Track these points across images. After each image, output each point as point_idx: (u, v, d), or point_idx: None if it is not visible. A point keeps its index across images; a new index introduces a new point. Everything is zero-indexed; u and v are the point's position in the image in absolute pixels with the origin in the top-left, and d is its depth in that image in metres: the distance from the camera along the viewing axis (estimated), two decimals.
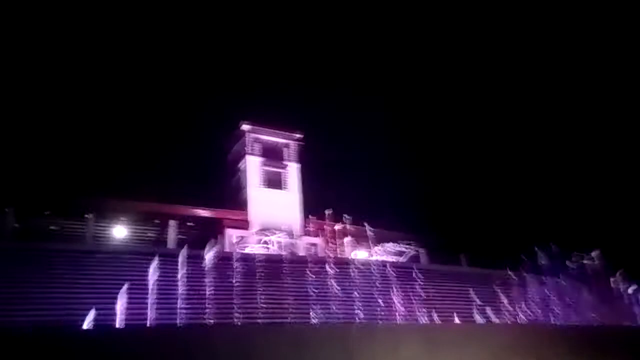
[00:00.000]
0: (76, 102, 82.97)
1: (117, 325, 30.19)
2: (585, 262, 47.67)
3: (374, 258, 53.07)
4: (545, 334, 31.26)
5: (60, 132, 73.27)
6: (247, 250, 50.18)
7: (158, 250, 43.98)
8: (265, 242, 51.57)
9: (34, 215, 46.74)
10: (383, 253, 54.62)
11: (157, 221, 51.27)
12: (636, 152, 77.46)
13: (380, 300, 37.93)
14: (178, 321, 31.28)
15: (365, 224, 54.23)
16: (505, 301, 42.45)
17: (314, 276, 40.02)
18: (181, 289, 34.14)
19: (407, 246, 54.81)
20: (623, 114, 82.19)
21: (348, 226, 56.06)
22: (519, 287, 44.86)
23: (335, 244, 56.81)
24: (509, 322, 39.86)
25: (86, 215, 47.24)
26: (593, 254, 47.85)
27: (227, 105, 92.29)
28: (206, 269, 36.20)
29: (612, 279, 47.07)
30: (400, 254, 54.56)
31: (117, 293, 32.05)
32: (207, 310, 33.06)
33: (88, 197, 48.59)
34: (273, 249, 51.03)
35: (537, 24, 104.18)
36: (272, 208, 54.91)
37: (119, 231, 50.21)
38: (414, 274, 44.22)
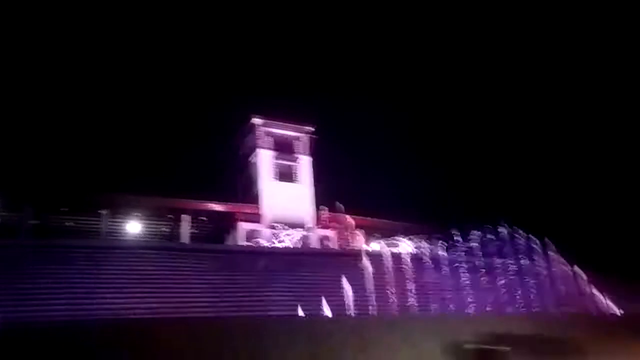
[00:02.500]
0: (92, 102, 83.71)
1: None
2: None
3: (386, 249, 52.97)
4: (565, 322, 30.77)
5: (74, 130, 74.05)
6: (260, 244, 50.45)
7: (172, 245, 44.53)
8: (278, 235, 51.66)
9: (51, 212, 47.39)
10: (395, 244, 54.45)
11: (170, 216, 51.62)
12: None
13: (395, 291, 37.79)
14: (192, 315, 31.44)
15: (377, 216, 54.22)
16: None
17: (327, 268, 40.04)
18: (195, 283, 34.36)
19: (419, 237, 54.52)
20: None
21: (361, 218, 55.99)
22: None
23: (349, 236, 56.78)
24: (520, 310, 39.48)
25: (101, 212, 47.70)
26: None
27: (239, 99, 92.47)
28: (221, 263, 36.36)
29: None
30: (413, 245, 54.31)
31: (132, 288, 32.36)
32: (222, 304, 33.22)
33: (102, 194, 49.06)
34: (286, 242, 51.12)
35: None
36: (284, 201, 54.97)
37: (133, 226, 50.69)
38: (427, 264, 44.01)
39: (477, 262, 44.84)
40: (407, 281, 38.11)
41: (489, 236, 45.56)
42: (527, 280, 43.29)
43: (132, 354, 19.70)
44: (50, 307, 29.44)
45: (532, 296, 41.70)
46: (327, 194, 58.11)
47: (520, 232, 45.36)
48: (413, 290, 37.10)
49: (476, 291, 39.98)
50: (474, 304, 38.71)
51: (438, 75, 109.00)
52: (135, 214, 50.08)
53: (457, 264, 43.44)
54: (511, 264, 45.47)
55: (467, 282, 41.12)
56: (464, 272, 41.98)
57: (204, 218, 52.84)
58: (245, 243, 51.07)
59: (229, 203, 53.89)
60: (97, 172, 62.20)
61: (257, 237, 52.05)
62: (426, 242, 55.47)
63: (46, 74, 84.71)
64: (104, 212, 47.89)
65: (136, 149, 75.34)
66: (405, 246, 53.87)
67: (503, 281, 42.68)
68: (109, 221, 48.40)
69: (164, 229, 53.70)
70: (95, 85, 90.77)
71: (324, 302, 33.41)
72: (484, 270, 43.79)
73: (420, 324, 27.61)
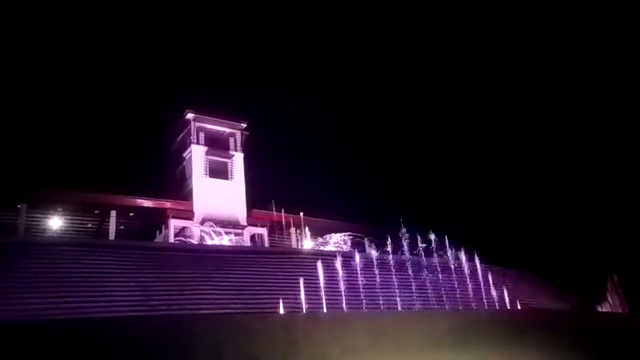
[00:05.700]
0: (11, 91, 78.36)
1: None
2: None
3: (319, 248, 53.63)
4: (485, 319, 32.48)
5: None
6: (191, 241, 49.56)
7: (97, 242, 42.77)
8: (210, 233, 50.95)
9: None
10: (328, 243, 55.24)
11: (97, 212, 49.58)
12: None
13: (326, 290, 38.37)
14: (120, 314, 30.46)
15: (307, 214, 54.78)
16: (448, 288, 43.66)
17: (259, 267, 40.06)
18: (125, 281, 33.31)
19: (351, 236, 55.64)
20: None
21: (293, 216, 56.28)
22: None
23: (281, 235, 56.91)
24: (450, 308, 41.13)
25: (19, 206, 45.02)
26: None
27: (172, 93, 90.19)
28: (151, 260, 35.46)
29: None
30: (344, 243, 55.29)
31: (52, 287, 30.86)
32: (151, 303, 32.40)
33: (21, 187, 46.26)
34: (218, 240, 50.53)
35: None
36: (217, 198, 54.22)
37: (56, 222, 48.21)
38: (358, 263, 44.96)
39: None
40: (338, 279, 38.80)
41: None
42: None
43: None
44: None
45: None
46: (260, 192, 58.00)
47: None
48: (343, 288, 37.82)
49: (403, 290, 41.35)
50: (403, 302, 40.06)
51: (376, 72, 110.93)
52: (58, 208, 47.64)
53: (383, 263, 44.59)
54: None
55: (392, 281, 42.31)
56: (389, 271, 43.17)
57: (133, 214, 51.18)
58: (175, 240, 50.00)
59: (160, 199, 52.45)
60: (16, 163, 58.47)
61: (188, 235, 51.10)
62: (359, 241, 56.80)
63: None
64: (21, 206, 45.19)
65: (61, 141, 71.47)
66: (338, 244, 54.83)
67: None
68: (28, 216, 45.74)
69: (89, 225, 51.49)
70: (17, 75, 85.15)
71: (255, 300, 33.46)
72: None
73: (350, 321, 28.33)
